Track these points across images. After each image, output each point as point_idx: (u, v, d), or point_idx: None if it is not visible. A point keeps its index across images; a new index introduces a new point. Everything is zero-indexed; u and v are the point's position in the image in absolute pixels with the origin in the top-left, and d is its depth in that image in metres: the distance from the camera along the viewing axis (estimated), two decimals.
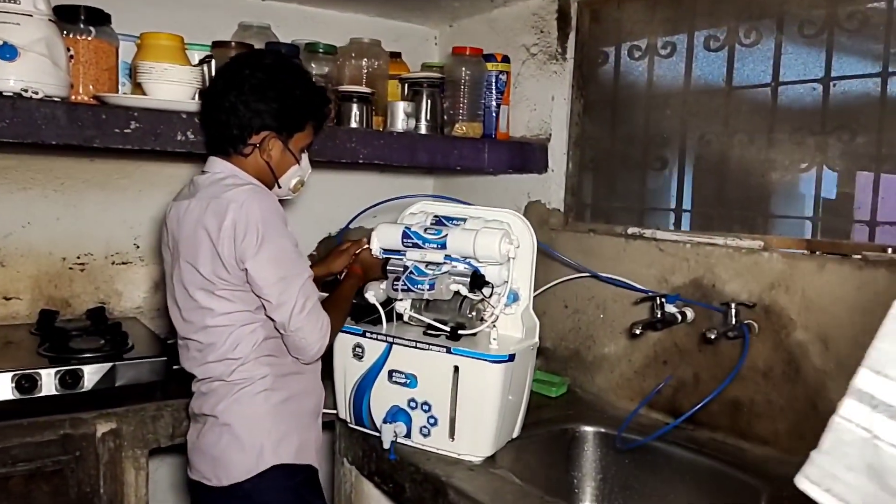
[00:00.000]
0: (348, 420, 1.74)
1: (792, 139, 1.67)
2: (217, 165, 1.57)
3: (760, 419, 1.65)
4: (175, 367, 1.81)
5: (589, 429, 1.80)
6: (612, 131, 2.07)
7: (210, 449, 1.53)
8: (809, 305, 1.56)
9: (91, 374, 1.69)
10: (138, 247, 2.20)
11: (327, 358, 1.71)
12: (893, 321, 0.50)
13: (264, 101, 1.52)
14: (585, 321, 2.02)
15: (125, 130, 1.59)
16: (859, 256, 1.49)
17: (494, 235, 1.62)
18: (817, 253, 1.57)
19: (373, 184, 2.54)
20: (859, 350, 0.52)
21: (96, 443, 1.66)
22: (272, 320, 1.51)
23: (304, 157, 1.65)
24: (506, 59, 2.19)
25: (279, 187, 1.62)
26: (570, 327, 2.06)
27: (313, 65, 1.98)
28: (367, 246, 1.75)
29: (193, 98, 1.71)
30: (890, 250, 1.47)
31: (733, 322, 1.63)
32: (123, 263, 2.18)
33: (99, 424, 1.67)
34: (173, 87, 1.68)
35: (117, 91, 1.75)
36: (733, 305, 1.63)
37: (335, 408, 1.77)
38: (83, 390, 1.68)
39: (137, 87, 1.73)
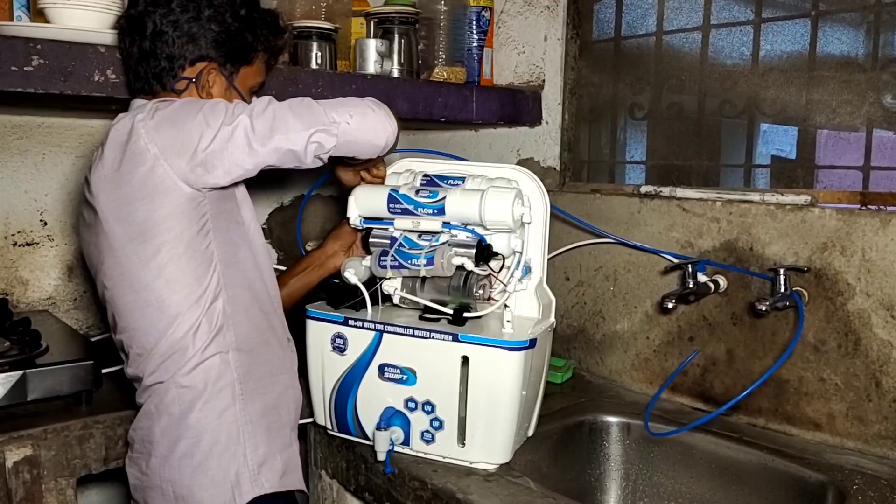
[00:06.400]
0: (329, 427, 1.43)
1: (838, 77, 1.45)
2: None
3: (811, 400, 1.44)
4: (105, 370, 1.46)
5: (611, 419, 1.55)
6: (616, 76, 1.80)
7: (172, 486, 1.21)
8: (871, 268, 1.35)
9: None
10: (45, 223, 1.78)
11: (301, 353, 1.40)
12: None
13: (199, 22, 1.19)
14: (592, 295, 1.76)
15: (26, 68, 1.21)
16: None
17: (507, 196, 1.34)
18: (874, 207, 1.36)
19: None
20: None
21: (7, 475, 1.29)
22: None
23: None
24: None
25: None
26: (574, 303, 1.80)
27: None
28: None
29: (114, 27, 1.33)
30: None
31: (782, 290, 1.41)
32: (28, 245, 1.76)
33: (9, 451, 1.29)
34: (87, 13, 1.30)
35: (11, 21, 1.35)
36: (782, 271, 1.41)
37: (311, 413, 1.46)
38: None
39: (39, 16, 1.34)
